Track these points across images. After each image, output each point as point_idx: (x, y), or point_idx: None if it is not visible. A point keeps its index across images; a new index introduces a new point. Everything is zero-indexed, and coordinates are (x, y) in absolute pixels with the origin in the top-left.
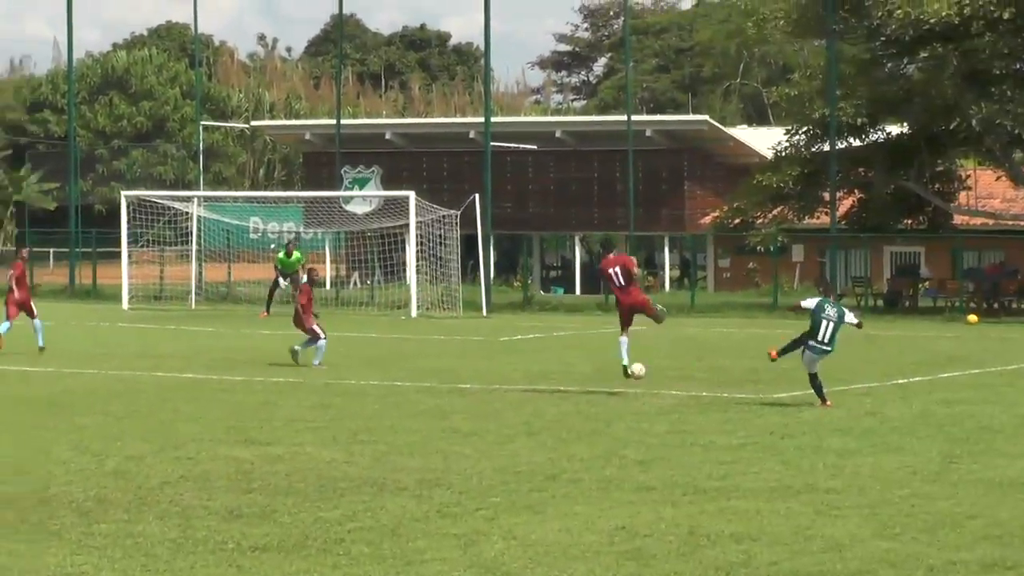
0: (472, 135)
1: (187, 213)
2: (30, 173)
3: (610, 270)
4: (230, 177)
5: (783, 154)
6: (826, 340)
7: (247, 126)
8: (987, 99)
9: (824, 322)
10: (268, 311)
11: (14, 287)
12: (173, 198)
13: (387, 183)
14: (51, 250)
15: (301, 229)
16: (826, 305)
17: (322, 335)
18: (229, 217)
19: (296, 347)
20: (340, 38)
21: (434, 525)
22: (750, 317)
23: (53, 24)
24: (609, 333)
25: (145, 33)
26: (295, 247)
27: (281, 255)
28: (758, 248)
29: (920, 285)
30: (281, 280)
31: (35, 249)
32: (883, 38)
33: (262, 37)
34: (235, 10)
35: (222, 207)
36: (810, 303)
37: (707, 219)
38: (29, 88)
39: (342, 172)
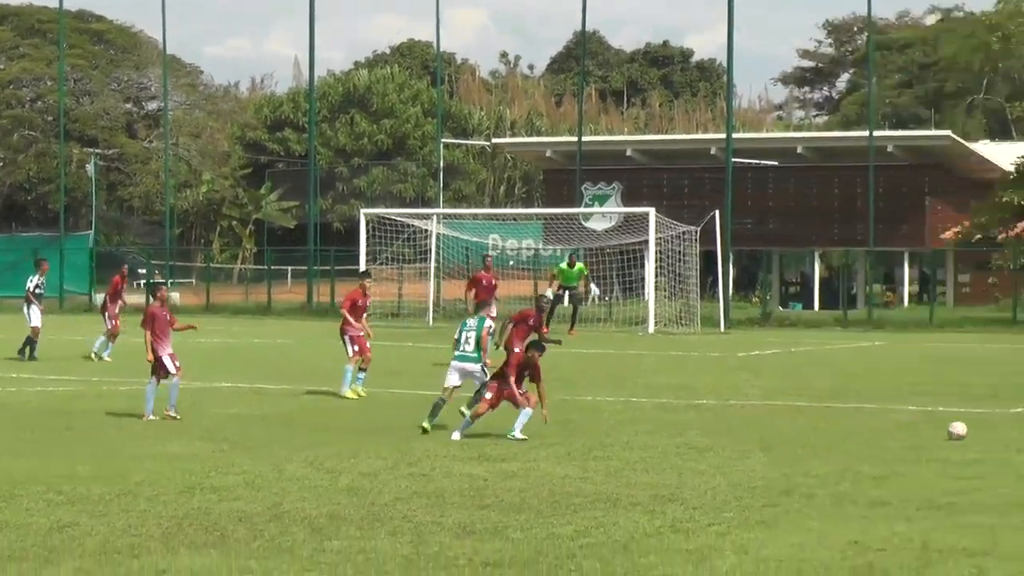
0: (713, 151)
1: (426, 231)
2: (270, 191)
3: None
4: (470, 195)
5: None
6: None
7: (488, 143)
8: None
9: None
10: (573, 329)
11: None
12: (412, 216)
13: (627, 200)
14: (289, 268)
15: (540, 246)
16: None
17: None
18: (468, 234)
19: None
20: (583, 55)
21: (666, 540)
22: (989, 332)
23: (295, 43)
24: (845, 348)
25: (387, 51)
26: (577, 258)
27: (563, 265)
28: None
29: None
30: (549, 292)
31: (273, 267)
32: None
33: (504, 55)
34: (477, 28)
35: (461, 224)
36: None
37: (948, 234)
38: (270, 107)
39: (582, 189)
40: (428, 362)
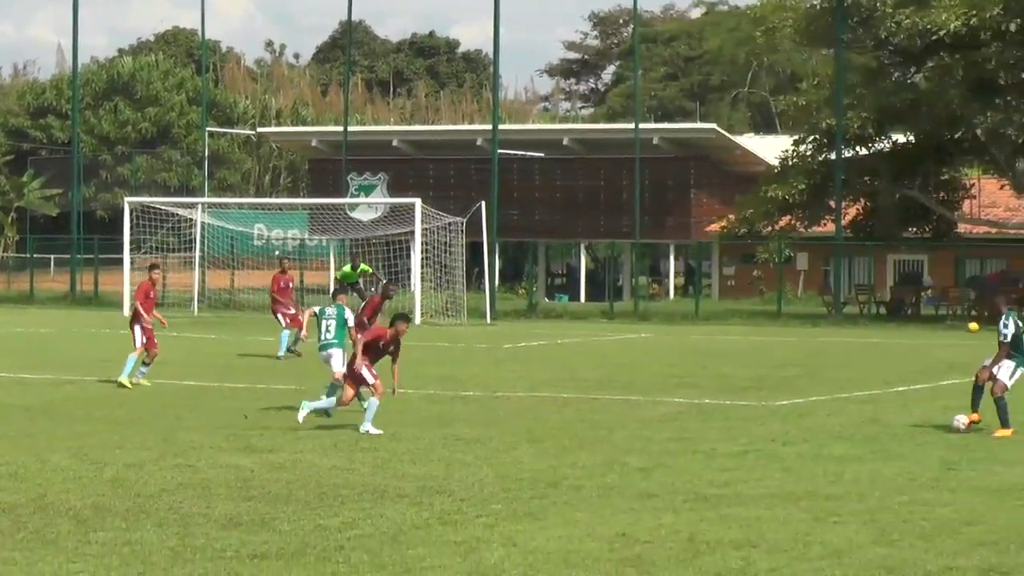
0: (479, 142)
1: (191, 220)
2: (33, 179)
3: None
4: (235, 184)
5: (790, 163)
6: None
7: (253, 133)
8: (992, 109)
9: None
10: None
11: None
12: (177, 204)
13: (393, 190)
14: (52, 256)
15: (306, 236)
16: (1019, 320)
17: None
18: (233, 224)
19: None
20: (349, 44)
21: (434, 532)
22: (754, 324)
23: (58, 29)
24: (611, 340)
25: (152, 39)
26: (361, 260)
27: (347, 269)
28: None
29: (923, 293)
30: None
31: (36, 255)
32: (891, 48)
33: (269, 43)
34: (243, 16)
35: (226, 214)
36: (1010, 329)
37: (713, 227)
38: (33, 93)
39: (348, 179)
40: (193, 352)
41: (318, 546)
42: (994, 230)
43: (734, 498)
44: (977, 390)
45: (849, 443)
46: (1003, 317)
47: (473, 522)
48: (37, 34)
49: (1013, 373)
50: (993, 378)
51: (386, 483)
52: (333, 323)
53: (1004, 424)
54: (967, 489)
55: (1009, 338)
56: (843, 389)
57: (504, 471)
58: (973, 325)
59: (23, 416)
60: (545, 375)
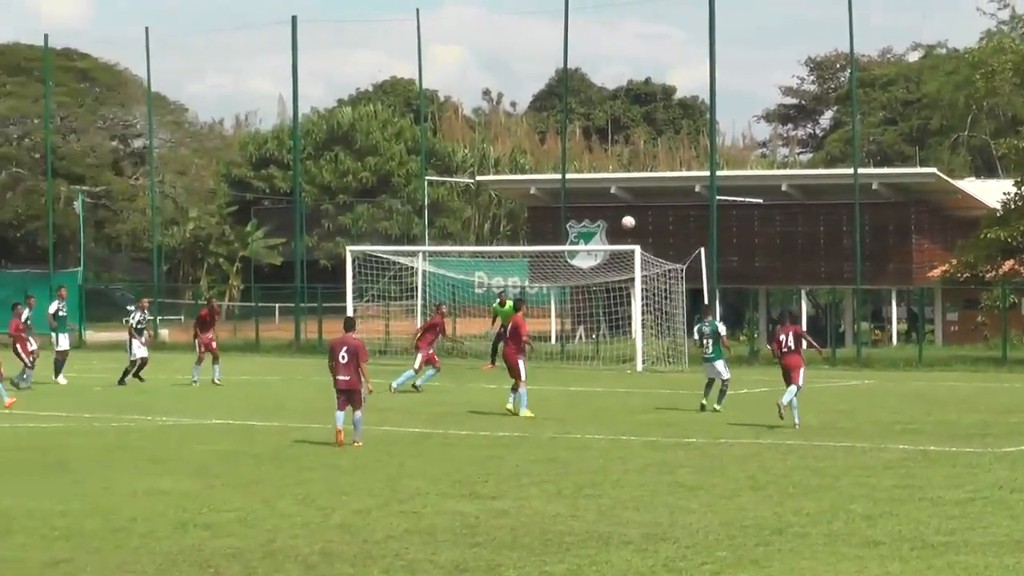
0: (697, 189)
1: (412, 268)
2: (256, 228)
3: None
4: (455, 232)
5: (1012, 206)
6: None
7: (472, 181)
8: None
9: None
10: (493, 363)
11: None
12: (398, 253)
13: (612, 237)
14: (277, 305)
15: (526, 284)
16: None
17: None
18: (454, 272)
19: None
20: (565, 92)
21: None
22: (978, 371)
23: (278, 81)
24: (834, 387)
25: (370, 89)
26: (508, 297)
27: (495, 304)
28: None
29: None
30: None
31: (261, 304)
32: None
33: (487, 92)
34: (460, 65)
35: (447, 262)
36: None
37: (935, 272)
38: (255, 144)
39: (567, 227)
40: (416, 399)
41: None
42: None
43: (962, 546)
44: None
45: None
46: None
47: (698, 569)
48: (257, 86)
49: None
50: None
51: (610, 530)
52: (710, 341)
53: None
54: None
55: None
56: None
57: (728, 518)
58: None
59: (251, 463)
60: (768, 421)
